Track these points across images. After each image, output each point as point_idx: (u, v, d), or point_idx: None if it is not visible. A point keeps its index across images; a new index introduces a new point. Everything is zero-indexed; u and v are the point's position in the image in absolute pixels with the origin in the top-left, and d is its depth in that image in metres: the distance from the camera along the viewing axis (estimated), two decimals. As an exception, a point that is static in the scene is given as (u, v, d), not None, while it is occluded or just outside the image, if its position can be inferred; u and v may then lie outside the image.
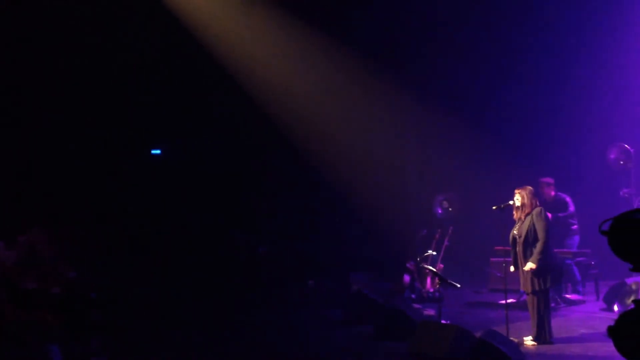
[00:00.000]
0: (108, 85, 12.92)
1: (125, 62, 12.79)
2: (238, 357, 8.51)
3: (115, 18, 12.26)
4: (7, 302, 6.81)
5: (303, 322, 10.38)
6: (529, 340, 8.49)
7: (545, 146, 13.28)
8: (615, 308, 9.78)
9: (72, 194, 12.48)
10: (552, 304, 10.01)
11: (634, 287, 9.61)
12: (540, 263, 8.33)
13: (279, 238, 13.85)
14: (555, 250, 9.74)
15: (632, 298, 9.64)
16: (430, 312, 10.21)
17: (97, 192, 12.90)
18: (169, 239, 13.36)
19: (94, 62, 12.59)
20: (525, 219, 8.55)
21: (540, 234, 8.39)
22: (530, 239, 8.47)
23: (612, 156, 11.94)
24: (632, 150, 11.73)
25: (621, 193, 11.73)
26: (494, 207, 8.68)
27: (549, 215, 10.13)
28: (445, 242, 11.73)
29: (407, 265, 11.71)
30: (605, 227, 5.04)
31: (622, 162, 11.82)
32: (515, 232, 8.63)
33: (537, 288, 8.39)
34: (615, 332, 5.00)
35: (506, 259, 8.75)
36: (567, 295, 10.78)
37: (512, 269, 8.72)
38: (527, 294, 8.62)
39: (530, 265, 8.36)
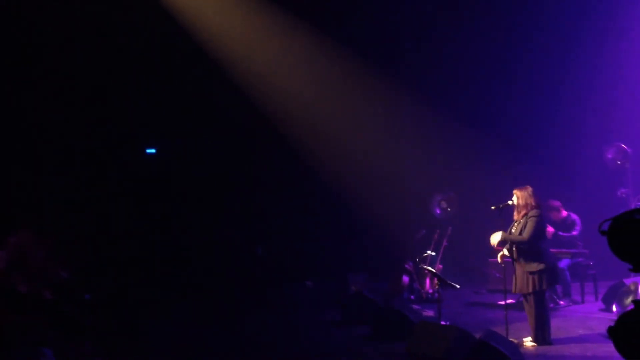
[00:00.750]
0: (102, 83, 12.85)
1: (120, 60, 12.73)
2: (235, 357, 8.45)
3: (111, 16, 12.20)
4: (-1, 305, 6.73)
5: (301, 322, 10.34)
6: (528, 341, 8.44)
7: (543, 145, 13.25)
8: (614, 308, 9.72)
9: (65, 193, 12.40)
10: (551, 305, 9.98)
11: (632, 287, 9.55)
12: (534, 262, 8.30)
13: (277, 238, 13.80)
14: (553, 250, 9.71)
15: (631, 298, 9.57)
16: (429, 312, 10.16)
17: (91, 191, 12.83)
18: (165, 238, 13.30)
19: (88, 60, 12.53)
20: (522, 219, 8.50)
21: (525, 233, 8.34)
22: (526, 244, 8.41)
23: (609, 156, 11.90)
24: (629, 150, 11.69)
25: (618, 193, 11.69)
26: (492, 207, 8.62)
27: (551, 230, 10.11)
28: (444, 243, 11.69)
29: (406, 266, 11.66)
30: (605, 227, 4.99)
31: (619, 162, 11.78)
32: (512, 231, 8.57)
33: (533, 289, 8.33)
34: (616, 333, 4.95)
35: (505, 260, 8.69)
36: (560, 302, 10.73)
37: (500, 258, 8.65)
38: (524, 296, 8.57)
39: (495, 237, 8.38)
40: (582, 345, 8.30)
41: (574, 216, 11.03)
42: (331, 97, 13.69)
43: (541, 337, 8.39)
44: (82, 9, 11.96)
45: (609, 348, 5.05)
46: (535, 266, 8.31)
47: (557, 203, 10.94)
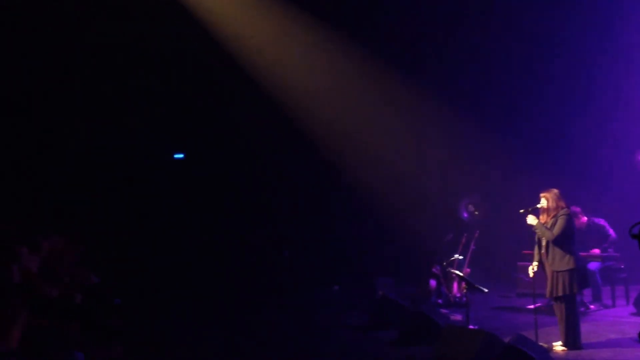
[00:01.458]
0: (129, 90, 12.98)
1: (146, 67, 12.85)
2: (262, 361, 8.48)
3: (140, 23, 12.32)
4: (30, 309, 6.81)
5: (328, 326, 10.33)
6: (558, 346, 8.35)
7: (572, 148, 13.11)
8: (646, 312, 9.60)
9: (94, 198, 12.54)
10: (582, 309, 9.86)
11: (665, 291, 9.42)
12: (567, 265, 8.22)
13: (305, 242, 13.82)
14: (582, 253, 9.60)
15: (664, 302, 9.45)
16: (457, 317, 10.10)
17: (120, 196, 12.96)
18: (192, 242, 13.38)
19: (113, 66, 12.66)
20: (550, 222, 8.43)
21: (555, 230, 8.28)
22: (555, 243, 8.34)
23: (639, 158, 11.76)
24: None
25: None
26: (521, 211, 8.57)
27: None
28: (472, 246, 11.61)
29: (433, 270, 11.60)
30: (635, 230, 4.93)
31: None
32: (540, 234, 8.50)
33: (563, 293, 8.26)
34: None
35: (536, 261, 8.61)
36: (591, 306, 10.60)
37: (531, 271, 8.59)
38: (554, 300, 8.48)
39: (531, 219, 8.35)
40: (613, 350, 8.19)
41: (598, 220, 10.87)
42: (358, 100, 13.69)
43: (572, 341, 8.30)
44: (114, 18, 12.11)
45: (641, 353, 4.99)
46: (564, 264, 8.24)
47: (577, 209, 10.80)
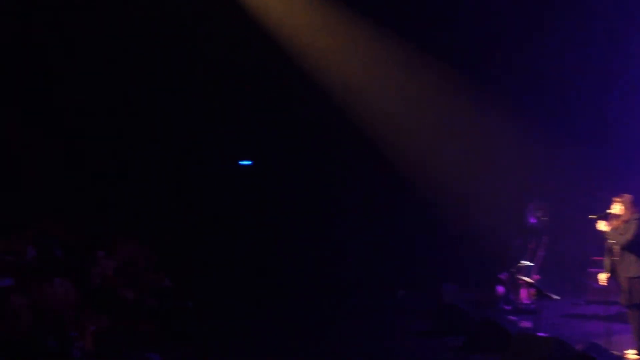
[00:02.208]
0: (197, 95, 13.23)
1: (214, 73, 13.07)
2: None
3: (205, 28, 12.56)
4: (106, 311, 7.05)
5: (393, 332, 10.32)
6: (632, 354, 8.17)
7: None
8: None
9: (168, 204, 12.83)
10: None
11: None
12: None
13: (369, 247, 13.84)
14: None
15: None
16: (526, 324, 9.96)
17: (188, 201, 13.23)
18: (259, 246, 13.54)
19: (180, 72, 12.91)
20: (622, 227, 8.28)
21: (628, 235, 8.13)
22: (627, 248, 8.18)
23: None
24: None
25: None
26: (591, 216, 8.43)
27: None
28: (541, 252, 11.43)
29: (500, 276, 11.46)
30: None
31: None
32: (612, 241, 8.35)
33: (637, 301, 8.08)
34: None
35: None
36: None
37: (603, 278, 8.42)
38: (629, 308, 8.30)
39: (601, 225, 8.18)
40: (691, 360, 7.96)
41: None
42: (423, 103, 13.64)
43: (646, 350, 8.11)
44: (181, 27, 12.38)
45: None
46: (635, 270, 8.08)
47: None
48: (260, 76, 13.41)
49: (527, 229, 12.13)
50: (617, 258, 8.27)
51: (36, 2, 11.71)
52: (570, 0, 12.91)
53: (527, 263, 11.39)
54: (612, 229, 8.31)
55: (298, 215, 13.95)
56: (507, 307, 11.25)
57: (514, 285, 11.35)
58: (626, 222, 8.27)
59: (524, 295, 11.22)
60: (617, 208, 8.36)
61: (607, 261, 8.41)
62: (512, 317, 10.22)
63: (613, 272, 8.35)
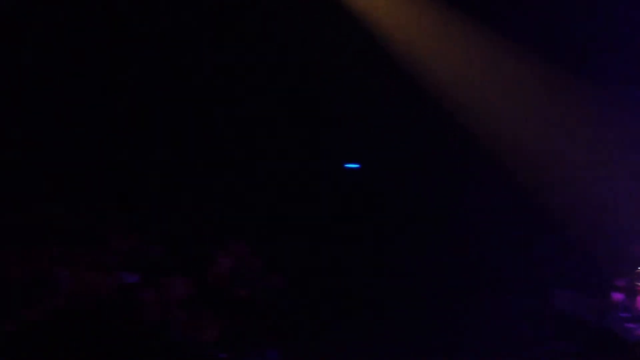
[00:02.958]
0: (305, 98, 13.43)
1: (324, 75, 13.21)
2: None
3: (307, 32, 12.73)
4: (224, 309, 7.32)
5: (503, 337, 10.18)
6: None
7: None
8: None
9: (280, 205, 13.10)
10: None
11: None
12: None
13: (478, 249, 13.67)
14: None
15: None
16: (645, 332, 9.60)
17: (301, 204, 13.46)
18: (370, 248, 13.62)
19: (286, 75, 13.14)
20: None
21: None
22: None
23: None
24: None
25: None
26: None
27: None
28: (662, 258, 10.98)
29: (617, 282, 11.08)
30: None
31: None
32: None
33: None
34: None
35: None
36: None
37: None
38: None
39: None
40: None
41: None
42: (525, 103, 13.36)
43: None
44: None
45: None
46: None
47: None
48: (366, 77, 13.48)
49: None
50: None
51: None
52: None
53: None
54: None
55: (404, 216, 13.92)
56: (625, 315, 10.87)
57: (632, 292, 10.96)
58: None
59: (642, 302, 10.83)
60: None
61: None
62: (630, 325, 9.87)
63: None
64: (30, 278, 6.70)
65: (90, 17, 11.82)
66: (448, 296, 12.84)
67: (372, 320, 10.93)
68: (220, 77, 12.83)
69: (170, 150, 12.52)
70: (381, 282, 13.00)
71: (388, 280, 13.09)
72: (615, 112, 12.91)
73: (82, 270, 7.05)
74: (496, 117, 13.38)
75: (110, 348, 5.04)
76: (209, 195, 12.45)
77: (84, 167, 11.67)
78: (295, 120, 13.60)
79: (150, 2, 11.99)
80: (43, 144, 11.51)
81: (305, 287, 10.27)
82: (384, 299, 12.31)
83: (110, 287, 6.76)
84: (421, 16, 12.95)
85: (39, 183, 10.90)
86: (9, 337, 5.05)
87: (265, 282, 8.93)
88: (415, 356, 8.99)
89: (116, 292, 6.61)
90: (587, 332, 8.88)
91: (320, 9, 12.40)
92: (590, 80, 12.95)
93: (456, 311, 12.04)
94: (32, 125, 11.38)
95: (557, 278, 12.58)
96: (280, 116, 13.47)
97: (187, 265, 8.07)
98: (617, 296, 11.01)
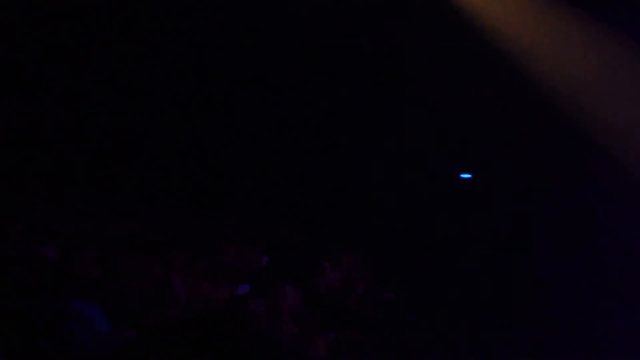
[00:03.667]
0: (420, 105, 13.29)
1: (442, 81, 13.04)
2: None
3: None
4: (333, 321, 7.37)
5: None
6: None
7: None
8: None
9: (383, 217, 13.06)
10: None
11: None
12: None
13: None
14: None
15: None
16: None
17: (408, 216, 13.37)
18: (481, 261, 13.33)
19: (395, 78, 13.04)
20: None
21: None
22: None
23: None
24: None
25: None
26: None
27: None
28: None
29: None
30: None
31: None
32: None
33: None
34: None
35: None
36: None
37: None
38: None
39: None
40: None
41: None
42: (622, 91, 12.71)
43: None
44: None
45: None
46: None
47: None
48: (484, 85, 13.20)
49: None
50: None
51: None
52: None
53: None
54: None
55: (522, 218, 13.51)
56: None
57: None
58: None
59: None
60: None
61: None
62: None
63: None
64: (150, 287, 6.99)
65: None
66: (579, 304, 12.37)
67: (489, 333, 10.68)
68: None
69: (276, 162, 12.77)
70: (498, 294, 12.69)
71: (506, 291, 12.76)
72: None
73: (198, 281, 7.29)
74: (621, 123, 12.82)
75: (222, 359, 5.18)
76: (318, 205, 12.59)
77: (200, 179, 12.11)
78: (404, 128, 13.54)
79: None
80: (158, 156, 12.02)
81: (415, 299, 10.15)
82: (502, 312, 12.01)
83: (222, 297, 6.95)
84: (540, 17, 12.60)
85: (157, 194, 11.38)
86: (129, 344, 5.27)
87: (375, 293, 8.93)
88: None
89: (228, 302, 6.79)
90: None
91: (437, 11, 12.24)
92: None
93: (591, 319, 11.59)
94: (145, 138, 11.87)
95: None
96: (389, 122, 13.44)
97: (297, 276, 8.18)
98: None
